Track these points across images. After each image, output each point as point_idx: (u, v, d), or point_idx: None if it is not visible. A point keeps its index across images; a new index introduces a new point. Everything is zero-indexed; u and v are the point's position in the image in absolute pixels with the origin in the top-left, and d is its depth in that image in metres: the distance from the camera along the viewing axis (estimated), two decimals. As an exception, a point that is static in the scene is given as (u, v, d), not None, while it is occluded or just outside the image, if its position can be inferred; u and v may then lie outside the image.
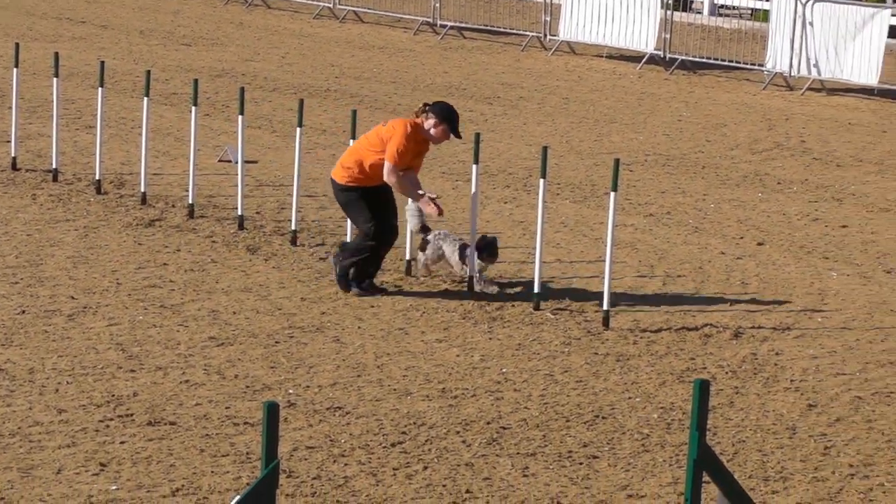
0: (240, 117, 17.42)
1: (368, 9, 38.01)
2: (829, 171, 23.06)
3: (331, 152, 21.43)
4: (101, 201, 18.40)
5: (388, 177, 14.31)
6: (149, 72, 18.47)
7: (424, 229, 15.33)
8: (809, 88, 29.16)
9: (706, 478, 7.42)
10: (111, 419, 11.49)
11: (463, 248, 15.02)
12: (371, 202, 14.41)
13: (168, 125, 22.73)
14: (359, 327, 14.30)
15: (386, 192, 14.64)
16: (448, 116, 14.45)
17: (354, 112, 16.49)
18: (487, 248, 15.00)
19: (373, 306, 14.88)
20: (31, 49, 28.57)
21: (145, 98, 18.04)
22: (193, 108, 17.59)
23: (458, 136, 14.67)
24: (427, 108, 14.70)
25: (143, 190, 18.28)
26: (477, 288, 14.96)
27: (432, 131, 14.42)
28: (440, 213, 14.80)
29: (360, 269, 14.54)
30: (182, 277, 15.74)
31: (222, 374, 12.89)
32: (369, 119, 21.93)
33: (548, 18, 33.43)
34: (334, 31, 36.42)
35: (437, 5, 35.27)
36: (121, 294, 14.69)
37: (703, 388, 7.37)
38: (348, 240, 15.53)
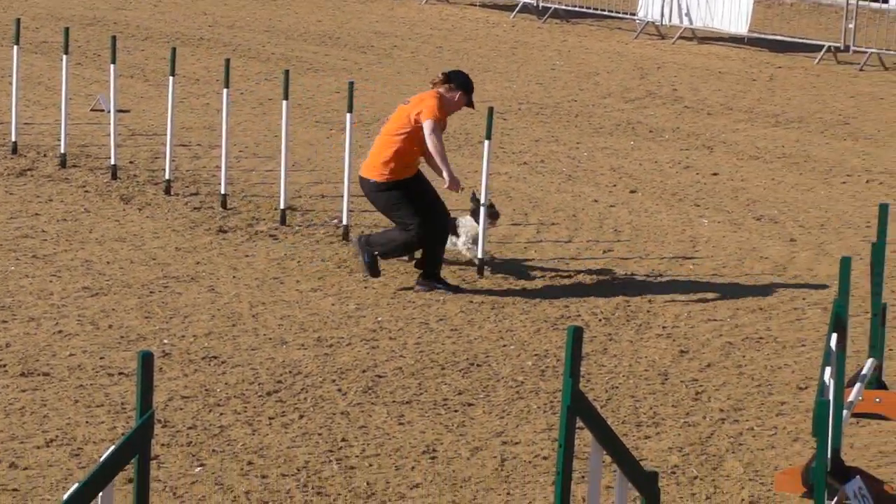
0: (112, 66, 17.45)
1: (241, -44, 38.16)
2: (700, 120, 23.46)
3: (204, 101, 21.56)
4: (-31, 152, 18.49)
5: (429, 136, 13.64)
6: (18, 20, 18.42)
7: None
8: (681, 37, 29.75)
9: (580, 424, 7.61)
10: (-18, 370, 11.63)
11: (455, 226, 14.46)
12: (417, 200, 13.63)
13: (39, 74, 22.76)
14: (234, 277, 14.40)
15: (431, 189, 13.99)
16: (468, 87, 14.04)
17: (228, 61, 16.60)
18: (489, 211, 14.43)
19: (247, 255, 15.00)
20: None
21: (15, 47, 18.03)
22: (64, 56, 17.60)
23: (472, 106, 14.35)
24: (448, 77, 14.18)
25: (13, 139, 18.30)
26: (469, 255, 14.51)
27: (455, 101, 13.99)
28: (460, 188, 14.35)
29: (428, 272, 13.75)
30: (55, 227, 15.73)
31: (96, 324, 12.92)
32: (243, 68, 21.96)
33: (421, -33, 33.70)
34: (207, -22, 36.63)
35: (311, -46, 35.42)
36: (-8, 245, 14.75)
37: (576, 336, 7.51)
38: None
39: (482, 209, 14.00)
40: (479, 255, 14.08)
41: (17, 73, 18.16)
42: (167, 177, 17.07)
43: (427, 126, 13.49)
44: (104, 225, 16.01)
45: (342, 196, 15.88)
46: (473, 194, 14.16)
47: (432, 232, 13.48)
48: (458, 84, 13.91)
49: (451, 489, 9.86)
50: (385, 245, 13.66)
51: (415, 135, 13.64)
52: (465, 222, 14.13)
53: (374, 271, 13.60)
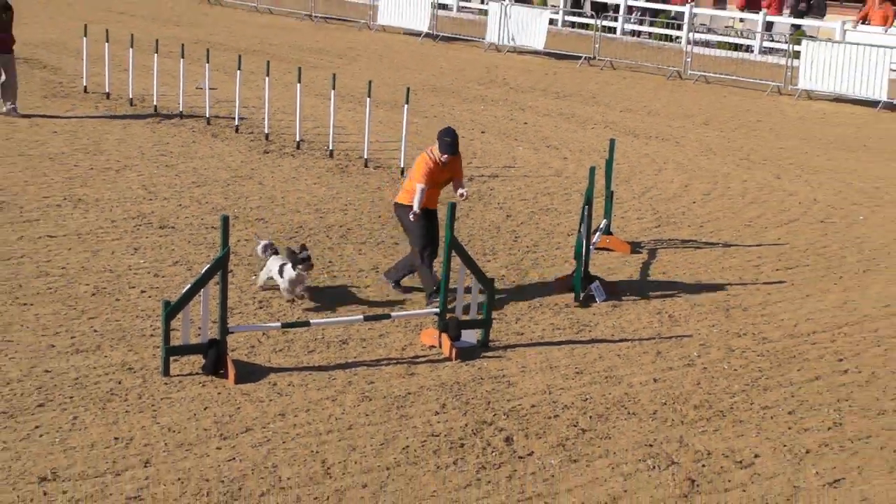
0: (206, 65, 19.02)
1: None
2: (518, 95, 25.83)
3: (256, 83, 22.91)
4: None
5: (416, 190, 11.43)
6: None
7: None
8: (509, 51, 30.83)
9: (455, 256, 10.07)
10: None
11: (282, 267, 11.26)
12: (427, 226, 11.54)
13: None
14: (272, 175, 15.92)
15: (435, 220, 11.76)
16: (440, 141, 11.46)
17: (269, 63, 18.00)
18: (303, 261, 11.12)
19: (279, 166, 16.49)
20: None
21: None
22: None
23: (450, 153, 11.46)
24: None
25: (154, 104, 19.62)
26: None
27: (442, 158, 11.44)
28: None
29: (428, 285, 11.49)
30: (177, 150, 17.11)
31: (199, 201, 14.39)
32: (274, 65, 23.01)
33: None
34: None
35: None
36: None
37: (452, 210, 9.92)
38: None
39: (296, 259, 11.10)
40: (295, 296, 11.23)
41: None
42: (236, 122, 18.92)
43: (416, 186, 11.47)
44: (202, 149, 17.56)
45: (328, 134, 17.94)
46: (302, 246, 11.07)
47: (430, 255, 11.50)
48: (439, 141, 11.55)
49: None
50: (405, 267, 11.68)
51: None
52: (287, 270, 11.02)
53: (400, 290, 11.68)
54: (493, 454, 8.42)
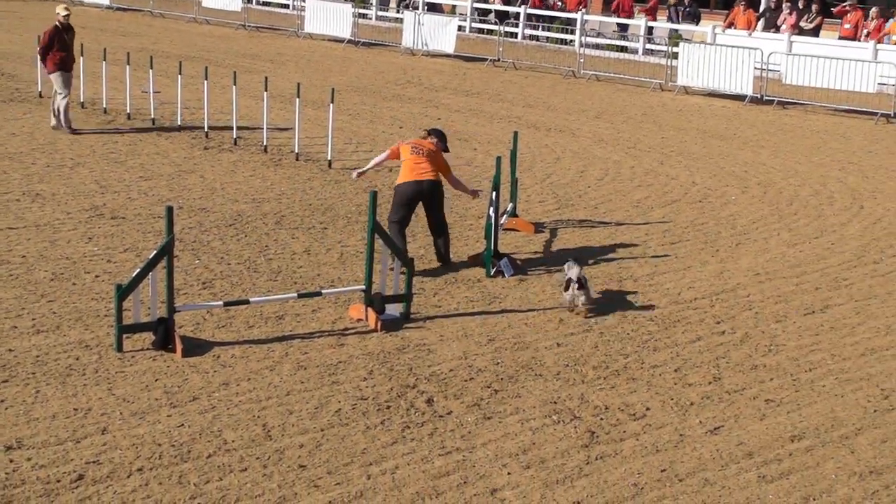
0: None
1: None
2: (431, 94, 25.58)
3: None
4: None
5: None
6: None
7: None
8: (423, 54, 31.03)
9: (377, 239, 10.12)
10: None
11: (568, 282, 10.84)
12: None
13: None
14: (212, 169, 15.81)
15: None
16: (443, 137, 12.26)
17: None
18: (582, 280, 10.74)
19: (219, 160, 16.36)
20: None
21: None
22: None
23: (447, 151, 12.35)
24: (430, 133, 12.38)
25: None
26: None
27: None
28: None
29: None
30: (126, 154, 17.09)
31: (146, 193, 14.18)
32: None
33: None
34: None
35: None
36: None
37: (373, 197, 9.99)
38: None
39: None
40: None
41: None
42: (178, 122, 18.49)
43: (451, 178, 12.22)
44: (148, 147, 17.34)
45: (262, 131, 17.74)
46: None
47: None
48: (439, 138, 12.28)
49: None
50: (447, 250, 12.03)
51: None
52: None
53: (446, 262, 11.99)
54: (416, 414, 8.39)
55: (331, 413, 8.33)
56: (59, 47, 17.79)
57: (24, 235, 12.18)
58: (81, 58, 19.71)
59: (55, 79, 17.81)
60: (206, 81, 18.13)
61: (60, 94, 17.80)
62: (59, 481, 7.15)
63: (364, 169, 12.66)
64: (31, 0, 42.08)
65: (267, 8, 39.82)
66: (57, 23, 17.86)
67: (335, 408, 8.42)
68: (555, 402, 8.75)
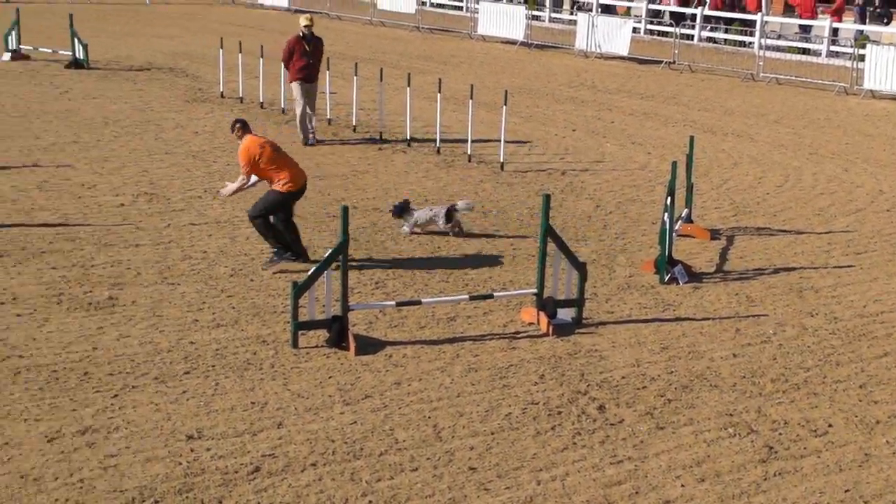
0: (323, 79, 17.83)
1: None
2: (606, 97, 24.97)
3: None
4: None
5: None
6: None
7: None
8: (597, 57, 30.78)
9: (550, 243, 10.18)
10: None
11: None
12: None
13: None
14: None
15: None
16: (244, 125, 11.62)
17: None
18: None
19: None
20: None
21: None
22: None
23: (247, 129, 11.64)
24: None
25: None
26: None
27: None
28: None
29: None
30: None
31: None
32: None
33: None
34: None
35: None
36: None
37: (546, 198, 10.06)
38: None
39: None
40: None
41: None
42: (353, 123, 18.97)
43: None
44: (323, 147, 17.58)
45: (436, 132, 17.78)
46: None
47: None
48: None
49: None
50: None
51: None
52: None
53: None
54: (587, 421, 8.33)
55: (501, 416, 8.34)
56: (298, 57, 17.51)
57: (206, 231, 12.63)
58: (261, 59, 20.36)
59: (294, 88, 17.67)
60: (380, 83, 18.44)
61: (298, 103, 17.77)
62: (236, 472, 7.38)
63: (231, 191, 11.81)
64: (215, 3, 43.70)
65: (441, 10, 40.27)
66: (300, 33, 17.61)
67: (506, 411, 8.43)
68: (731, 415, 8.54)
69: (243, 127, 11.56)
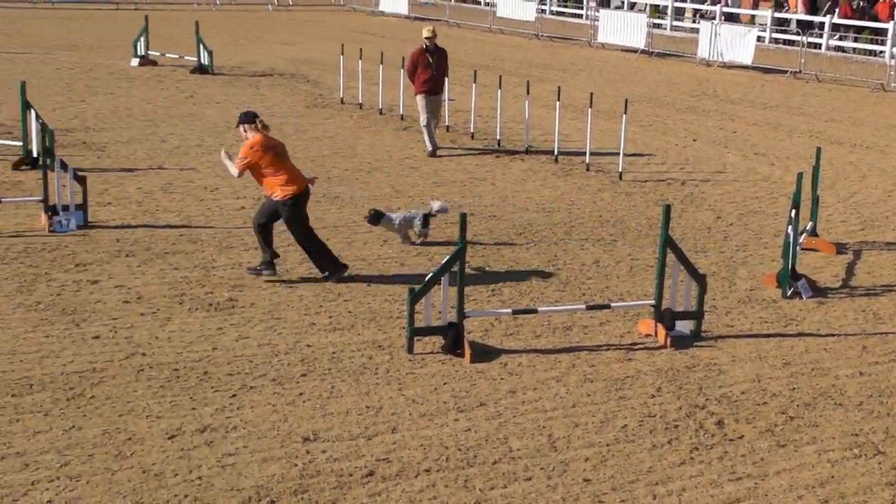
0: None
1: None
2: (729, 106, 24.34)
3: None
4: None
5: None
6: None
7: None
8: (720, 65, 30.26)
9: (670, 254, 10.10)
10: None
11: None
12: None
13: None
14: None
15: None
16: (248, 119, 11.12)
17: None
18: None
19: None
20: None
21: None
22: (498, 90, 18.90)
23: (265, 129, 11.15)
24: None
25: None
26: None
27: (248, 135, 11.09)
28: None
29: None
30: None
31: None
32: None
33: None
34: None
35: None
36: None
37: (667, 210, 9.99)
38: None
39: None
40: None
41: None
42: (471, 130, 18.98)
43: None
44: (441, 153, 17.96)
45: (554, 140, 17.75)
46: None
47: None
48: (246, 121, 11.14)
49: None
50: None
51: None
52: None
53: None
54: (706, 436, 8.18)
55: (617, 428, 8.25)
56: (422, 69, 17.35)
57: (323, 235, 12.65)
58: (381, 66, 20.53)
59: (418, 101, 17.55)
60: (499, 90, 18.41)
61: (421, 115, 17.71)
62: (351, 475, 7.45)
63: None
64: (336, 10, 44.31)
65: (560, 18, 40.14)
66: (423, 45, 17.41)
67: (621, 423, 8.33)
68: (856, 435, 8.29)
69: (256, 123, 11.12)
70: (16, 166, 15.59)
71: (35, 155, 15.33)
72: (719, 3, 34.86)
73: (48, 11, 40.17)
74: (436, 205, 12.78)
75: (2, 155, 16.28)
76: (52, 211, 12.80)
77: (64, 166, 13.06)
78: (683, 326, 10.19)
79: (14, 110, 18.39)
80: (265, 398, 8.53)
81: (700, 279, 10.04)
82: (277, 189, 10.97)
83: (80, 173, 13.30)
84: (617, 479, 7.52)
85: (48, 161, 13.02)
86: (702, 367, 9.46)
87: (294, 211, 11.03)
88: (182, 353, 9.34)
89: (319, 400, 8.53)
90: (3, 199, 13.53)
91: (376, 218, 12.60)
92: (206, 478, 7.33)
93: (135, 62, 26.44)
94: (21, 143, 15.81)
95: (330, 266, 11.33)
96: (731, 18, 34.87)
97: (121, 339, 9.58)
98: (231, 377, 8.88)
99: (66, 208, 12.89)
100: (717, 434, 8.21)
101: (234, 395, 8.54)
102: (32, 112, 14.99)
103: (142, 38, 26.64)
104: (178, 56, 26.89)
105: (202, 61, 25.56)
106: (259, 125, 11.02)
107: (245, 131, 11.08)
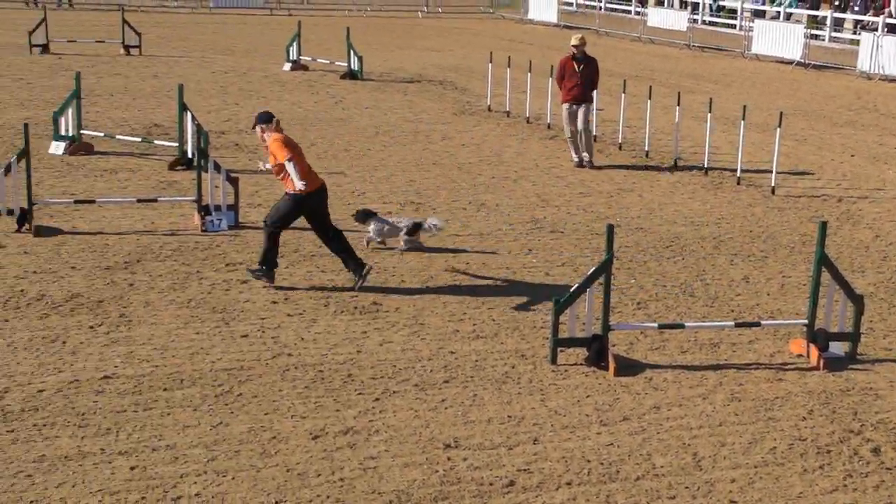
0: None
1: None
2: (890, 121, 23.68)
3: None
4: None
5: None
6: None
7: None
8: (881, 79, 29.22)
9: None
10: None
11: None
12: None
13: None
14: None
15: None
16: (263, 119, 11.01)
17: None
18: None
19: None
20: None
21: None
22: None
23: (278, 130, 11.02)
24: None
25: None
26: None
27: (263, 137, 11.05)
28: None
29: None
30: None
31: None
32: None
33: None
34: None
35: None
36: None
37: (822, 227, 9.69)
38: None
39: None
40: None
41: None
42: (619, 140, 18.28)
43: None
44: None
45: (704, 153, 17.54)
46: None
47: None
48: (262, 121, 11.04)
49: None
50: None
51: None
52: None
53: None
54: (860, 463, 7.89)
55: (765, 450, 8.03)
56: (568, 77, 17.26)
57: (468, 243, 12.83)
58: (529, 74, 20.49)
59: (563, 109, 17.45)
60: (648, 101, 18.20)
61: (566, 128, 17.59)
62: (491, 485, 7.43)
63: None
64: (485, 18, 44.53)
65: (713, 28, 39.48)
66: (571, 53, 17.33)
67: (770, 445, 8.11)
68: None
69: (273, 123, 11.02)
70: (172, 166, 16.14)
71: (190, 156, 15.87)
72: (882, 13, 33.85)
73: (206, 17, 41.54)
74: (434, 221, 12.57)
75: (159, 155, 16.88)
76: (205, 211, 13.23)
77: (217, 167, 13.47)
78: (837, 348, 9.87)
79: (172, 112, 19.09)
80: (408, 403, 8.59)
81: (857, 300, 9.70)
82: (291, 184, 10.84)
83: (232, 174, 13.69)
84: (765, 503, 7.33)
85: (202, 162, 13.46)
86: (857, 391, 9.14)
87: (293, 205, 10.92)
88: (327, 354, 9.48)
89: (461, 407, 8.55)
90: (159, 199, 14.03)
91: (364, 215, 12.52)
92: (348, 480, 7.42)
93: (287, 67, 27.08)
94: (177, 144, 16.39)
95: (267, 263, 11.06)
96: (894, 30, 33.78)
97: (268, 339, 9.78)
98: (374, 381, 8.98)
99: (218, 208, 13.31)
100: (872, 462, 7.92)
101: (377, 399, 8.63)
102: (189, 114, 15.54)
103: (294, 44, 27.26)
104: (328, 61, 27.40)
105: (352, 67, 26.02)
106: (275, 125, 10.96)
107: (262, 132, 11.00)
